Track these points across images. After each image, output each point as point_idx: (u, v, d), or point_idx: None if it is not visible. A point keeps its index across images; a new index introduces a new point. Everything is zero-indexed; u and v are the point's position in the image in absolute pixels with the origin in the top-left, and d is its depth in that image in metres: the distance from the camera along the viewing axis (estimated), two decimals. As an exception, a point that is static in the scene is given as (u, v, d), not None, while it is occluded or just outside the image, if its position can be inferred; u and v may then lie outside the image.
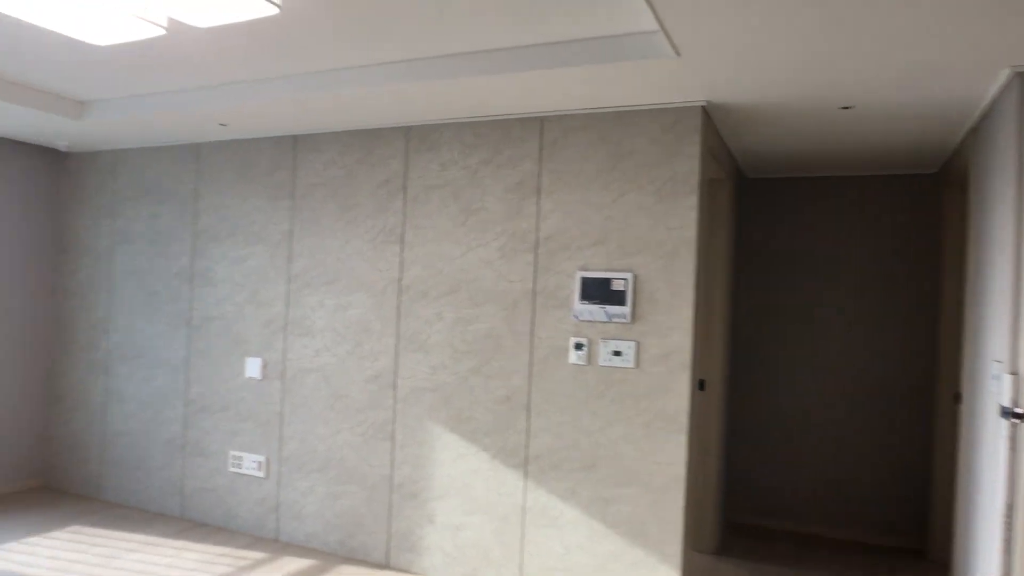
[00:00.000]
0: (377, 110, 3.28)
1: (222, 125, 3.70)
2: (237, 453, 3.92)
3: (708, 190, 3.69)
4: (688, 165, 2.97)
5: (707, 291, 3.73)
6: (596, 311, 3.09)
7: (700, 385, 3.70)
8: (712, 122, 3.22)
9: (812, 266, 4.31)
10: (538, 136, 3.25)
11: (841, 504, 4.20)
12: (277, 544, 3.73)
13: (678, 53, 2.42)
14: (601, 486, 3.07)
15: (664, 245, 3.00)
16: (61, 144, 4.37)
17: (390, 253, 3.56)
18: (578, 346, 3.12)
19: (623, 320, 3.04)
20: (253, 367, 3.87)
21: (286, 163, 3.85)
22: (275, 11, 2.17)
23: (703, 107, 2.97)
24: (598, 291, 3.09)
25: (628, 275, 3.04)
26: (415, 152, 3.51)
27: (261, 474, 3.84)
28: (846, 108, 2.95)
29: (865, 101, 2.83)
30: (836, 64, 2.43)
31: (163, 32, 2.49)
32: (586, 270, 3.13)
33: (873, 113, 2.99)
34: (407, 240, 3.52)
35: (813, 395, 4.29)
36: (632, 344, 3.03)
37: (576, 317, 3.13)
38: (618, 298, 3.06)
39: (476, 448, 3.32)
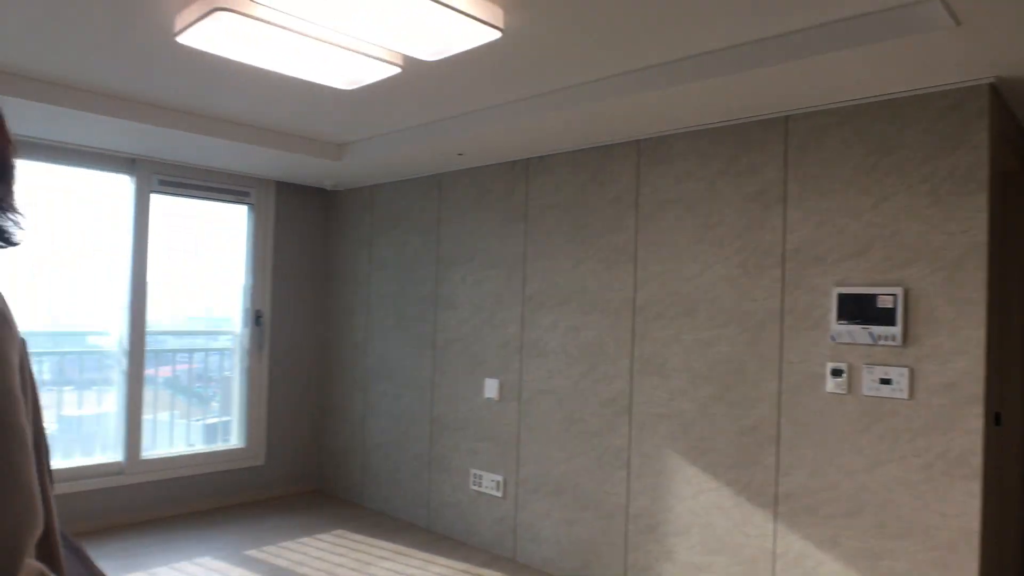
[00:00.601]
0: (607, 126, 3.21)
1: (459, 155, 3.88)
2: (477, 471, 4.02)
3: (1000, 185, 3.08)
4: (974, 156, 2.48)
5: (1002, 307, 3.10)
6: (858, 332, 2.69)
7: (996, 420, 3.06)
8: (1004, 103, 2.68)
9: None
10: (782, 138, 2.94)
11: None
12: (514, 564, 3.75)
13: (957, 22, 2.02)
14: (869, 536, 2.64)
15: (944, 254, 2.53)
16: (327, 183, 4.90)
17: (623, 272, 3.44)
18: (836, 372, 2.74)
19: (892, 343, 2.61)
20: (491, 388, 3.96)
21: (519, 187, 3.93)
22: (497, 35, 2.18)
23: (991, 85, 2.47)
24: (860, 309, 2.69)
25: (897, 290, 2.61)
26: (647, 166, 3.38)
27: (499, 494, 3.91)
28: None
29: None
30: None
31: (398, 71, 2.64)
32: (844, 285, 2.75)
33: None
34: (640, 258, 3.38)
35: None
36: (904, 371, 2.58)
37: (833, 339, 2.75)
38: (885, 317, 2.63)
39: (718, 483, 3.06)
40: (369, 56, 2.48)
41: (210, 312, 4.89)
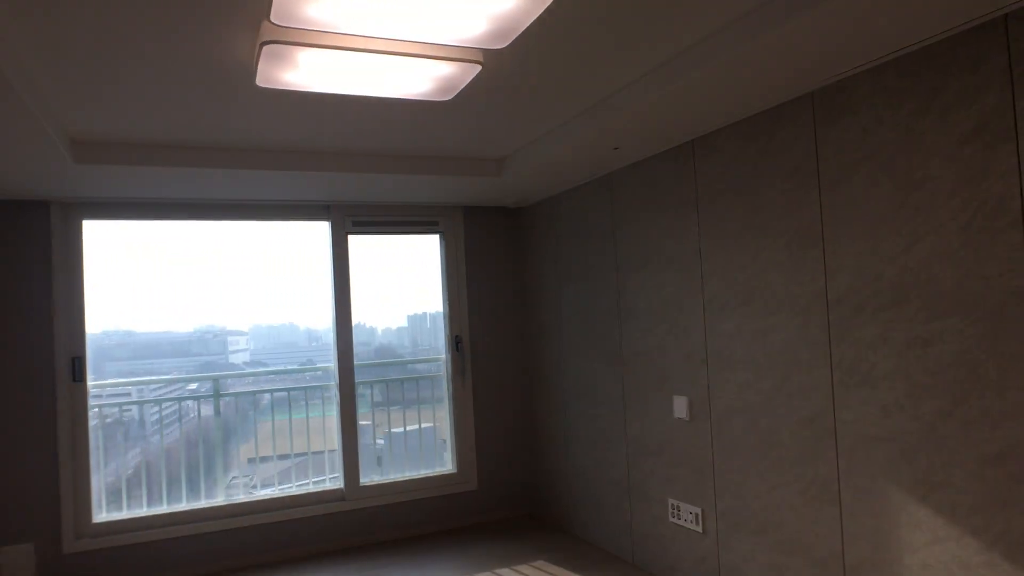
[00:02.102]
0: (770, 76, 2.58)
1: (615, 149, 3.47)
2: (675, 501, 3.53)
3: None
4: None
5: None
6: None
7: None
8: None
9: None
10: (1002, 46, 2.09)
11: None
12: (722, 614, 3.19)
13: None
14: None
15: None
16: (509, 202, 4.77)
17: (810, 259, 2.76)
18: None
19: None
20: (680, 407, 3.46)
21: (687, 174, 3.40)
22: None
23: None
24: None
25: None
26: (824, 123, 2.67)
27: (698, 528, 3.37)
28: None
29: None
30: None
31: (479, 68, 2.38)
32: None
33: None
34: (828, 239, 2.67)
35: None
36: None
37: (1113, 325, 1.85)
38: None
39: (959, 530, 2.24)
40: (436, 58, 2.26)
41: (415, 341, 5.04)
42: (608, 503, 4.10)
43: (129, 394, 4.27)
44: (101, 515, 4.01)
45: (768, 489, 2.98)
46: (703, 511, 3.35)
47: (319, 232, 4.60)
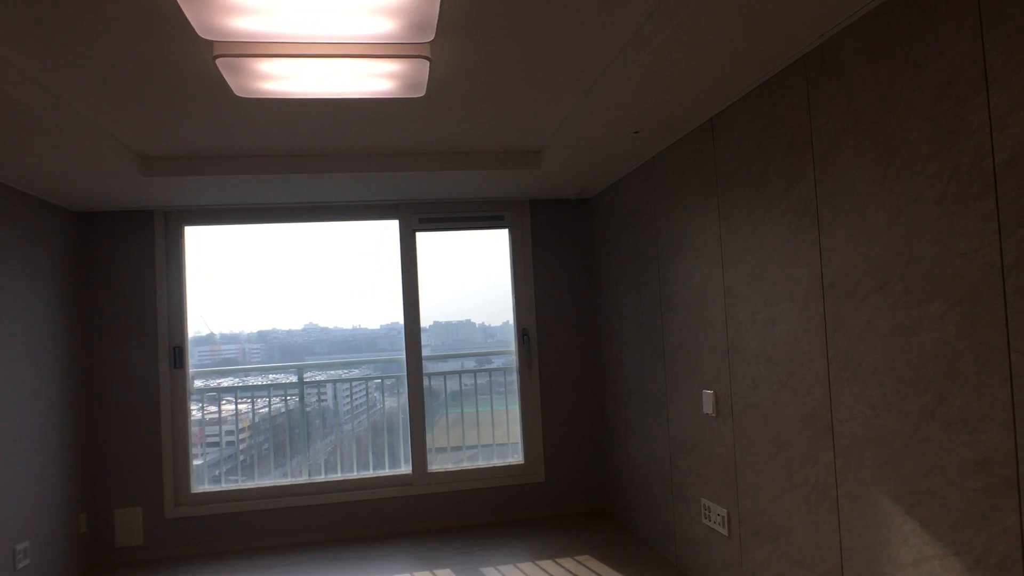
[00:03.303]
0: (764, 31, 2.38)
1: (635, 133, 3.34)
2: (707, 502, 3.33)
3: None
4: None
5: None
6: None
7: None
8: None
9: None
10: (966, -16, 1.78)
11: None
12: (743, 626, 2.96)
13: None
14: None
15: None
16: (570, 193, 4.72)
17: (807, 240, 2.50)
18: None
19: None
20: (708, 401, 3.26)
21: (707, 153, 3.19)
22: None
23: None
24: None
25: None
26: (817, 88, 2.41)
27: (725, 531, 3.16)
28: None
29: None
30: None
31: (427, 62, 2.42)
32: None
33: None
34: (823, 217, 2.40)
35: None
36: None
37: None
38: None
39: (944, 549, 1.94)
40: (374, 57, 2.34)
41: (483, 334, 5.13)
42: (656, 502, 3.94)
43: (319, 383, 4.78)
44: (201, 487, 4.54)
45: (778, 493, 2.73)
46: (728, 513, 3.14)
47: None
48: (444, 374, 4.97)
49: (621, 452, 4.53)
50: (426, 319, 4.86)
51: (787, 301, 2.63)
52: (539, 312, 4.92)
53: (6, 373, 3.46)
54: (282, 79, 2.49)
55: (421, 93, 2.70)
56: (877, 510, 2.19)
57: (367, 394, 4.98)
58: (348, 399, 4.92)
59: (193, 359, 4.61)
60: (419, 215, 4.80)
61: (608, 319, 4.65)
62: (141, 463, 4.39)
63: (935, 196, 1.92)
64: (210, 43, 2.33)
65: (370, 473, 4.74)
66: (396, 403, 4.87)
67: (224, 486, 4.58)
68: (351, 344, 4.96)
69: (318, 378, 4.88)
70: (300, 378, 4.83)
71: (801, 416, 2.57)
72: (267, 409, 4.79)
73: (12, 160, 3.18)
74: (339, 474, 4.74)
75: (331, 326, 4.93)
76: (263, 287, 4.74)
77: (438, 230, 4.86)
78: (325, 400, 4.86)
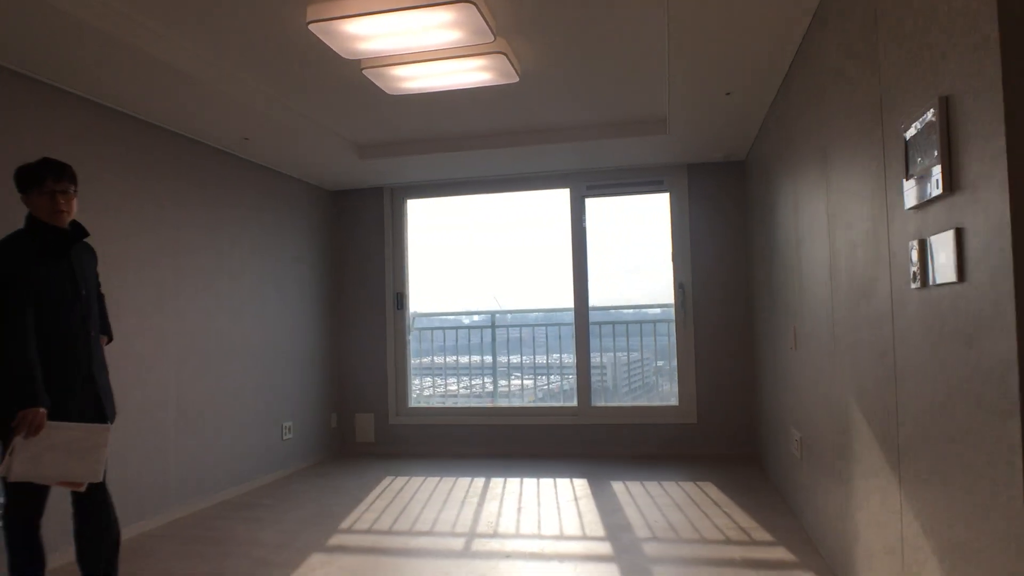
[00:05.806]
0: None
1: (727, 94, 3.69)
2: (793, 431, 3.60)
3: None
4: None
5: None
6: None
7: None
8: None
9: None
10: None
11: None
12: None
13: None
14: None
15: None
16: (718, 156, 5.03)
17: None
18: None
19: None
20: (791, 338, 3.52)
21: (812, 109, 3.44)
22: None
23: None
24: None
25: None
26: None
27: (797, 454, 3.42)
28: None
29: None
30: None
31: (504, 55, 3.16)
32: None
33: None
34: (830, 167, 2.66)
35: None
36: None
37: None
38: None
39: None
40: (465, 56, 3.15)
41: (646, 288, 5.65)
42: (785, 452, 4.21)
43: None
44: (415, 402, 5.81)
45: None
46: (802, 437, 3.40)
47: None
48: (612, 324, 5.62)
49: (767, 401, 4.78)
50: (594, 278, 5.55)
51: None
52: (694, 266, 5.32)
53: (281, 303, 4.97)
54: (414, 79, 3.42)
55: (516, 79, 3.44)
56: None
57: (547, 340, 5.83)
58: (531, 341, 5.83)
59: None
60: (587, 183, 5.50)
61: (758, 275, 4.89)
62: (374, 379, 5.78)
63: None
64: (357, 60, 3.34)
65: (545, 403, 5.60)
66: (571, 346, 5.66)
67: (432, 404, 5.80)
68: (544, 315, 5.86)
69: (508, 320, 5.87)
70: (492, 322, 5.86)
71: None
72: (467, 343, 5.91)
73: (283, 155, 4.61)
74: (522, 400, 5.68)
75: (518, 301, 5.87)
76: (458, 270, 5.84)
77: (604, 196, 5.50)
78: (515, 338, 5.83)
